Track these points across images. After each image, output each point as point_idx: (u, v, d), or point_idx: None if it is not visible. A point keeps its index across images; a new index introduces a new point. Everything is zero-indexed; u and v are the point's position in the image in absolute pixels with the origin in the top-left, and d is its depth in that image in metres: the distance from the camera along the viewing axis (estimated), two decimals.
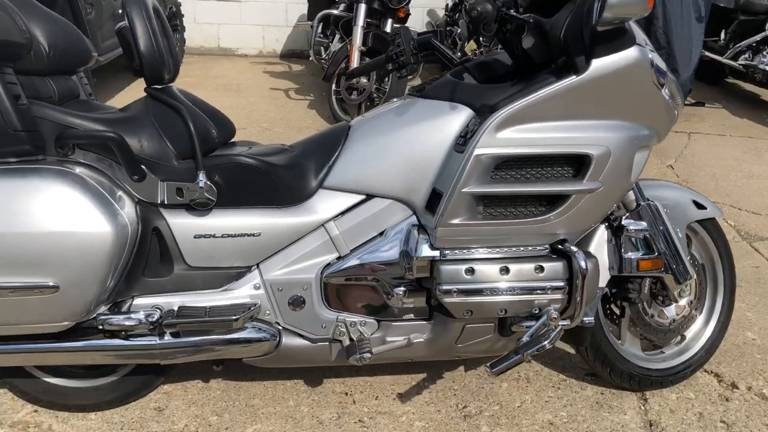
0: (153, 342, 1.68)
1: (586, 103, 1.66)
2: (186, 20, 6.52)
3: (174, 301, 1.71)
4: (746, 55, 5.83)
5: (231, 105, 5.22)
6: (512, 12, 1.66)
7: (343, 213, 1.80)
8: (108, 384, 1.91)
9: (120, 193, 1.63)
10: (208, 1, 6.68)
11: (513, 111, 1.63)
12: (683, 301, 2.10)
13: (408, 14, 4.83)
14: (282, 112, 5.21)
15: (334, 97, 4.76)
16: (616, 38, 1.62)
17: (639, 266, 1.92)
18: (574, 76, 1.62)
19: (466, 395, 2.09)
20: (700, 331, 2.18)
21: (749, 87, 5.88)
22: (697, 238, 2.15)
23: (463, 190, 1.64)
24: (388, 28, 4.65)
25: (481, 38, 2.16)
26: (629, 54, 1.63)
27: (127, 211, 1.61)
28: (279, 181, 1.75)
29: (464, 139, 1.69)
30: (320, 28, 5.33)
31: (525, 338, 1.69)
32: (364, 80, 4.54)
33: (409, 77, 2.25)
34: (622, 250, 1.92)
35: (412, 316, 1.84)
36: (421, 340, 1.84)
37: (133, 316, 1.63)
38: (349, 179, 1.79)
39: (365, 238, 1.81)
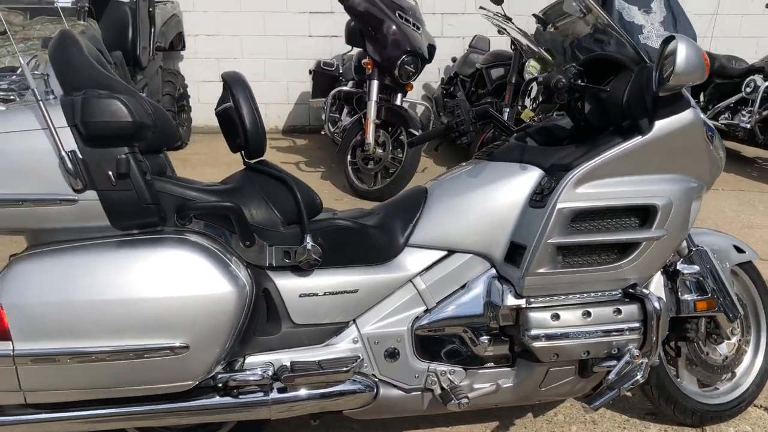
0: (266, 398, 1.78)
1: (650, 159, 1.86)
2: (191, 100, 6.76)
3: (283, 357, 1.82)
4: (726, 115, 6.22)
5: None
6: (580, 82, 1.88)
7: (427, 268, 1.95)
8: None
9: (234, 258, 1.76)
10: (212, 83, 6.94)
11: (589, 169, 1.82)
12: (734, 339, 2.26)
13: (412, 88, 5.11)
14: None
15: (350, 168, 4.97)
16: (675, 102, 1.84)
17: (696, 307, 2.09)
18: (640, 137, 1.83)
19: None
20: (749, 367, 2.33)
21: (731, 144, 6.25)
22: (738, 279, 2.33)
23: (548, 241, 1.81)
24: (398, 102, 4.91)
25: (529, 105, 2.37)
26: (686, 115, 1.86)
27: (243, 273, 1.74)
28: (372, 240, 1.91)
29: (541, 196, 1.87)
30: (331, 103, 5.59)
31: (612, 376, 1.83)
32: (380, 151, 4.77)
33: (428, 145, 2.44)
34: (679, 293, 2.09)
35: (496, 363, 1.97)
36: (508, 385, 1.96)
37: (254, 371, 1.74)
38: (431, 237, 1.96)
39: (449, 291, 1.95)
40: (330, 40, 7.11)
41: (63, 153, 1.57)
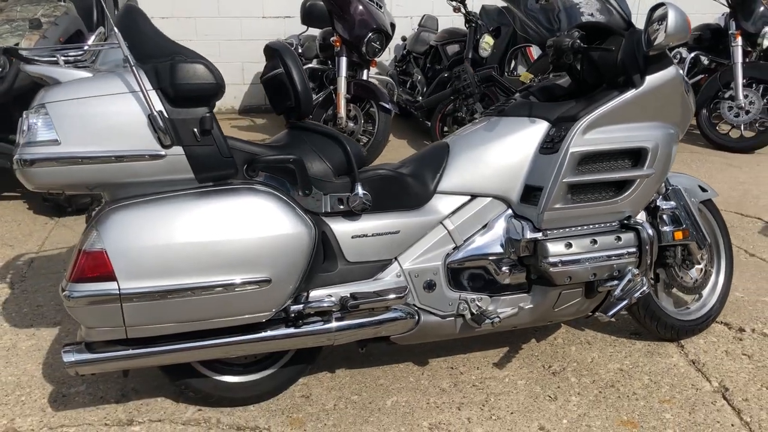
0: (330, 326, 2.04)
1: (641, 109, 2.21)
2: None
3: (341, 291, 2.08)
4: None
5: None
6: (580, 44, 2.20)
7: (454, 211, 2.24)
8: (267, 377, 2.21)
9: (297, 204, 2.00)
10: None
11: (594, 118, 2.15)
12: (702, 264, 2.66)
13: None
14: None
15: None
16: (661, 60, 2.19)
17: (674, 236, 2.47)
18: (634, 90, 2.17)
19: (547, 358, 2.54)
20: (713, 288, 2.75)
21: None
22: (701, 213, 2.74)
23: (564, 180, 2.13)
24: (365, 77, 5.16)
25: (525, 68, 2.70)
26: (671, 71, 2.21)
27: (308, 217, 1.98)
28: (409, 188, 2.18)
29: (552, 143, 2.19)
30: None
31: (618, 292, 2.18)
32: (351, 124, 5.02)
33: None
34: (659, 226, 2.47)
35: (515, 290, 2.29)
36: (527, 308, 2.28)
37: (323, 301, 2.00)
38: (456, 184, 2.25)
39: (474, 230, 2.25)
40: (284, 20, 7.26)
41: (154, 113, 1.77)
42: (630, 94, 2.18)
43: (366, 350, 2.31)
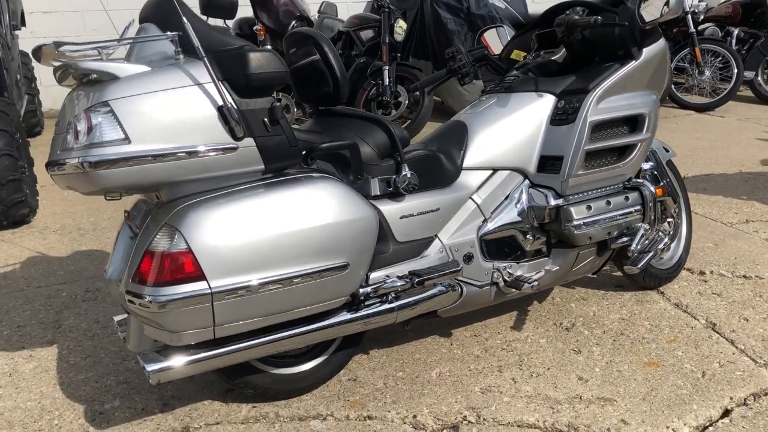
0: (392, 305, 2.08)
1: (637, 79, 2.43)
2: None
3: (396, 270, 2.13)
4: None
5: None
6: (598, 20, 2.36)
7: (480, 186, 2.35)
8: (319, 364, 2.22)
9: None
10: None
11: (605, 89, 2.34)
12: (673, 218, 2.97)
13: None
14: None
15: None
16: (654, 34, 2.41)
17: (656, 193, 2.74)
18: (634, 62, 2.38)
19: (555, 316, 2.73)
20: (680, 238, 3.07)
21: None
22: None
23: (585, 148, 2.30)
24: None
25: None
26: (661, 42, 2.45)
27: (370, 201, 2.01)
28: (444, 166, 2.26)
29: (566, 114, 2.36)
30: None
31: (635, 246, 2.40)
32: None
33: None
34: None
35: (537, 254, 2.45)
36: (551, 269, 2.45)
37: (393, 281, 2.03)
38: (479, 160, 2.36)
39: (498, 202, 2.38)
40: None
41: (228, 105, 1.72)
42: (631, 65, 2.39)
43: (392, 328, 2.37)
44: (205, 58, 1.70)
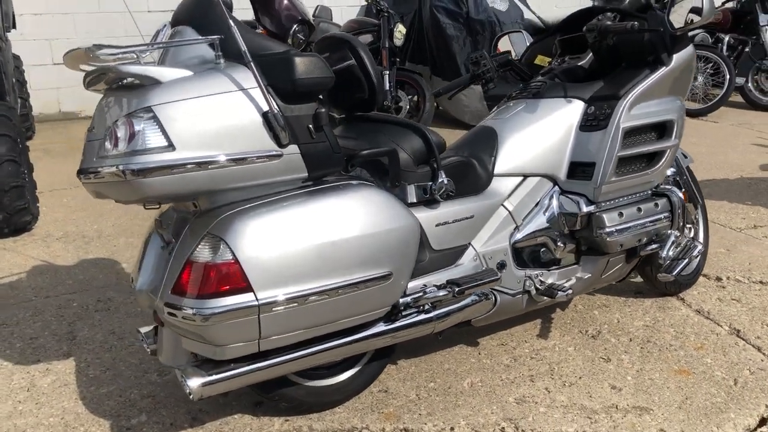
0: (430, 315, 2.04)
1: (667, 85, 2.42)
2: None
3: (432, 279, 2.09)
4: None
5: None
6: (635, 25, 2.34)
7: (511, 193, 2.32)
8: (352, 376, 2.17)
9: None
10: (44, 66, 6.31)
11: (636, 95, 2.32)
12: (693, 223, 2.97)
13: None
14: None
15: None
16: (683, 40, 2.40)
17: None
18: (665, 68, 2.37)
19: (579, 324, 2.70)
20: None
21: None
22: None
23: (618, 154, 2.28)
24: None
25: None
26: (690, 48, 2.44)
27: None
28: (478, 172, 2.23)
29: (597, 120, 2.34)
30: None
31: (666, 253, 2.38)
32: None
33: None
34: None
35: (567, 262, 2.42)
36: (581, 277, 2.42)
37: (435, 291, 1.99)
38: (509, 166, 2.33)
39: (528, 209, 2.35)
40: (171, 15, 6.86)
41: (274, 111, 1.67)
42: (661, 71, 2.37)
43: (420, 338, 2.33)
44: (252, 63, 1.65)
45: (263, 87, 1.66)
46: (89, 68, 1.75)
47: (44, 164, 3.68)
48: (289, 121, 1.71)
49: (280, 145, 1.70)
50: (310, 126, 1.75)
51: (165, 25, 1.92)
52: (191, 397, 1.72)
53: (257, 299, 1.65)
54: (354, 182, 1.88)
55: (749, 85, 7.21)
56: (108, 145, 1.64)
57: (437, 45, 5.99)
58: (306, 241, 1.71)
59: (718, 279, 3.10)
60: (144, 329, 2.13)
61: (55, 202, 4.26)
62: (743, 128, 6.55)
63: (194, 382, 1.69)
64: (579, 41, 2.62)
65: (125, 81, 1.76)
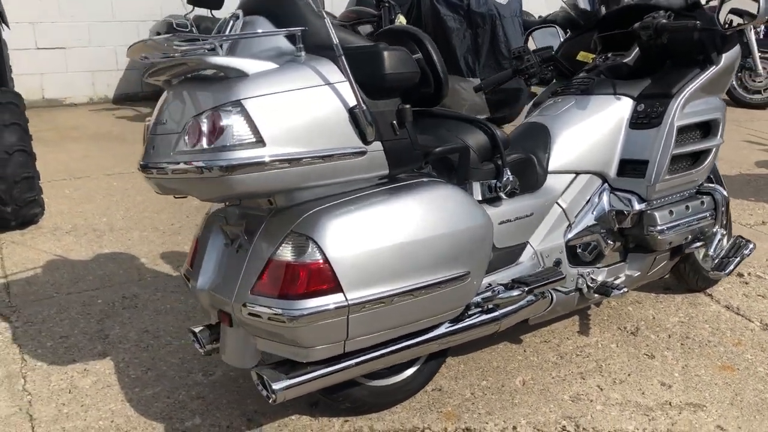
0: (496, 313, 2.02)
1: (715, 83, 2.43)
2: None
3: (496, 278, 2.07)
4: None
5: (126, 153, 5.04)
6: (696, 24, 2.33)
7: (564, 190, 2.31)
8: (412, 375, 2.13)
9: None
10: (27, 51, 6.08)
11: (689, 93, 2.33)
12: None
13: None
14: None
15: None
16: (732, 39, 2.42)
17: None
18: (714, 67, 2.38)
19: (617, 320, 2.72)
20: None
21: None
22: None
23: (673, 152, 2.29)
24: None
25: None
26: (738, 48, 2.45)
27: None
28: (536, 169, 2.21)
29: (648, 118, 2.34)
30: None
31: (713, 252, 2.41)
32: None
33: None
34: None
35: (615, 260, 2.43)
36: (631, 275, 2.43)
37: (509, 291, 1.97)
38: (562, 163, 2.32)
39: (580, 207, 2.35)
40: None
41: (362, 106, 1.62)
42: (711, 70, 2.39)
43: None
44: (342, 57, 1.59)
45: (352, 81, 1.60)
46: (159, 59, 1.67)
47: (37, 154, 3.52)
48: (374, 117, 1.66)
49: (365, 141, 1.65)
50: (394, 122, 1.70)
51: (237, 15, 1.83)
52: (272, 400, 1.67)
53: (347, 300, 1.60)
54: (428, 180, 1.84)
55: (734, 83, 7.35)
56: (188, 139, 1.56)
57: (436, 37, 5.93)
58: (392, 240, 1.67)
59: (740, 275, 3.15)
60: (197, 329, 2.06)
61: (56, 194, 4.11)
62: (731, 125, 6.68)
63: (279, 385, 1.64)
64: (620, 38, 2.62)
65: (200, 73, 1.68)
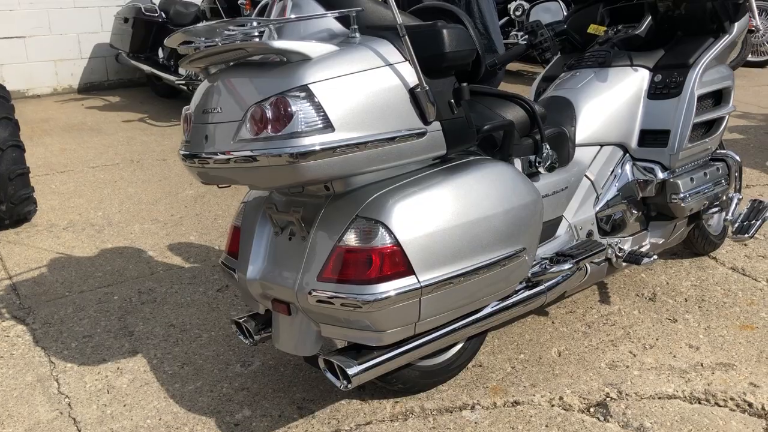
0: (542, 287, 2.05)
1: (726, 52, 2.49)
2: None
3: (541, 251, 2.09)
4: None
5: (106, 144, 4.89)
6: None
7: (591, 162, 2.35)
8: (458, 353, 2.15)
9: None
10: None
11: (706, 62, 2.38)
12: None
13: None
14: (168, 141, 5.06)
15: None
16: (742, 8, 2.48)
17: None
18: (728, 35, 2.44)
19: (633, 287, 2.78)
20: None
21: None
22: None
23: (695, 121, 2.34)
24: None
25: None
26: (747, 17, 2.51)
27: None
28: (569, 143, 2.24)
29: (668, 88, 2.38)
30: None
31: (730, 216, 2.48)
32: None
33: None
34: None
35: (637, 229, 2.48)
36: (657, 242, 2.49)
37: (561, 264, 2.00)
38: (588, 136, 2.36)
39: (605, 178, 2.39)
40: None
41: (425, 86, 1.60)
42: (725, 39, 2.45)
43: None
44: (406, 37, 1.57)
45: (414, 61, 1.58)
46: (207, 45, 1.62)
47: None
48: (434, 96, 1.65)
49: (426, 122, 1.64)
50: (451, 101, 1.69)
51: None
52: (344, 386, 1.67)
53: (419, 281, 1.60)
54: (479, 158, 1.85)
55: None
56: (251, 127, 1.52)
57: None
58: (456, 220, 1.68)
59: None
60: (241, 319, 2.02)
61: (43, 189, 3.95)
62: None
63: (353, 370, 1.63)
64: (629, 10, 2.65)
65: (249, 59, 1.64)
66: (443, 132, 1.69)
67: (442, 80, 1.68)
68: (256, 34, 1.64)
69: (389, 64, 1.60)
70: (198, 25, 1.65)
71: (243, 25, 1.65)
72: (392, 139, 1.59)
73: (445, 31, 1.64)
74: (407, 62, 1.62)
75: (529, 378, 2.20)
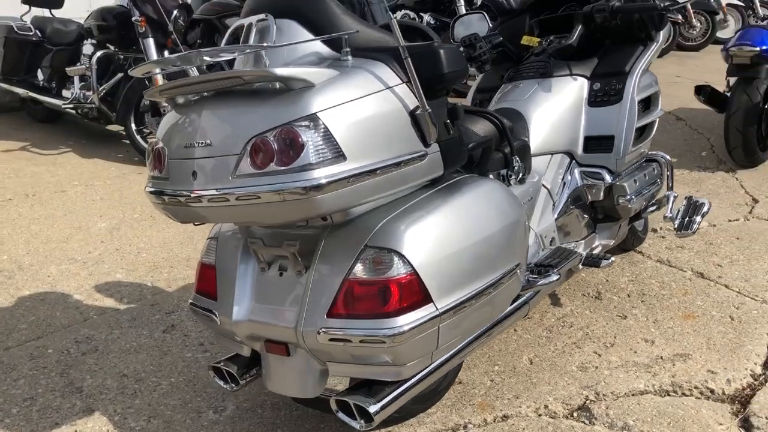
0: (525, 298, 2.07)
1: (653, 59, 2.65)
2: None
3: None
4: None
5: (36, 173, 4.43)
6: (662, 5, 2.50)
7: (545, 171, 2.42)
8: (443, 375, 2.09)
9: None
10: None
11: (641, 69, 2.52)
12: None
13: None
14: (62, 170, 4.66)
15: (137, 135, 4.58)
16: (663, 17, 2.64)
17: None
18: (655, 43, 2.60)
19: (579, 288, 2.90)
20: None
21: None
22: None
23: (636, 125, 2.47)
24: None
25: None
26: (669, 25, 2.69)
27: None
28: (530, 154, 2.29)
29: (606, 96, 2.50)
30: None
31: (669, 213, 2.64)
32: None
33: None
34: None
35: (588, 231, 2.59)
36: (607, 244, 2.61)
37: (547, 274, 2.04)
38: (541, 145, 2.44)
39: (558, 186, 2.47)
40: None
41: (426, 108, 1.57)
42: (653, 47, 2.60)
43: None
44: (409, 59, 1.52)
45: (416, 83, 1.54)
46: (192, 75, 1.50)
47: None
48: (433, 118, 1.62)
49: (426, 144, 1.61)
50: (447, 121, 1.67)
51: (266, 18, 1.66)
52: (362, 426, 1.59)
53: (437, 309, 1.56)
54: (467, 176, 1.85)
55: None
56: (254, 160, 1.42)
57: None
58: (464, 242, 1.66)
59: (654, 231, 3.49)
60: (220, 363, 1.88)
61: None
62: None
63: (374, 408, 1.56)
64: (558, 21, 2.76)
65: (234, 87, 1.52)
66: (441, 153, 1.67)
67: (437, 101, 1.65)
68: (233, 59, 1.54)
69: (389, 87, 1.55)
70: (174, 55, 1.52)
71: (225, 52, 1.54)
72: (398, 164, 1.54)
73: (442, 51, 1.61)
74: (404, 84, 1.58)
75: (510, 389, 2.22)
